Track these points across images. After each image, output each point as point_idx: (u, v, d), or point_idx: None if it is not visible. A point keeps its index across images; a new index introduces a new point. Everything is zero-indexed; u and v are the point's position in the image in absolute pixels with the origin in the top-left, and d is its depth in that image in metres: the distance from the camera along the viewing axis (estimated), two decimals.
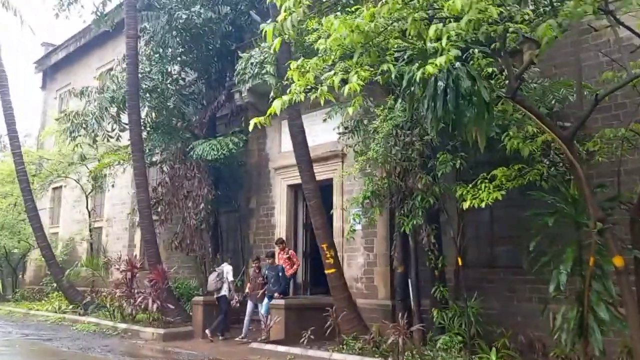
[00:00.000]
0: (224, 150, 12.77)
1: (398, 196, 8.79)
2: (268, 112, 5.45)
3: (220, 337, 11.04)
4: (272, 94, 9.07)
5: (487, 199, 6.80)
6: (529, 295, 9.42)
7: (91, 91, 14.63)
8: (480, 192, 7.01)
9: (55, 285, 18.94)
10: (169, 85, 14.44)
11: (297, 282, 13.20)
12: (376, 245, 11.31)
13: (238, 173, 14.44)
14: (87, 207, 17.40)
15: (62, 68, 24.62)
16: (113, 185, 16.21)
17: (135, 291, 12.17)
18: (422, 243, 9.10)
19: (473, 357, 7.54)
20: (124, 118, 14.37)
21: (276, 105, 5.27)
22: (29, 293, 20.90)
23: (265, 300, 10.82)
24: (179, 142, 14.37)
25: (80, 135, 14.14)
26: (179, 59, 14.56)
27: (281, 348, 9.04)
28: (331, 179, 12.32)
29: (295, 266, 11.61)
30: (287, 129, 13.47)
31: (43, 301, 18.08)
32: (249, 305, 11.26)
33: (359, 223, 9.11)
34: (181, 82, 14.90)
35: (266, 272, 11.06)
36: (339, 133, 9.34)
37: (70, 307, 14.98)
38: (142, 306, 11.71)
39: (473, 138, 6.20)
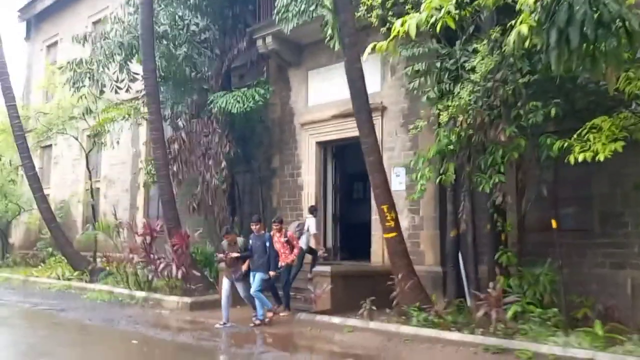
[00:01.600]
0: (249, 102, 11.58)
1: (467, 151, 7.78)
2: (394, 34, 4.31)
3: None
4: (328, 30, 7.86)
5: (604, 152, 5.84)
6: (601, 260, 8.64)
7: (94, 37, 13.16)
8: (592, 143, 6.05)
9: (50, 250, 17.84)
10: (180, 31, 13.09)
11: (327, 247, 12.29)
12: (422, 206, 10.39)
13: (257, 129, 13.26)
14: (87, 167, 16.05)
15: (48, 17, 22.72)
16: (118, 142, 14.89)
17: (155, 257, 11.08)
18: (489, 204, 8.21)
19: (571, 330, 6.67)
20: (132, 67, 13.04)
21: (412, 26, 4.12)
22: (22, 258, 19.66)
23: (258, 276, 8.66)
24: (194, 94, 13.10)
25: (84, 86, 12.75)
26: (189, 2, 13.14)
27: (336, 319, 8.15)
28: None
29: (295, 251, 9.68)
30: (315, 79, 12.48)
31: (39, 267, 16.90)
32: (225, 283, 8.95)
33: (425, 183, 8.03)
34: (193, 28, 13.50)
35: (251, 241, 9.05)
36: (408, 75, 8.20)
37: (75, 273, 13.84)
38: (165, 273, 10.66)
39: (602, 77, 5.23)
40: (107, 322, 9.07)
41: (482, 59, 6.38)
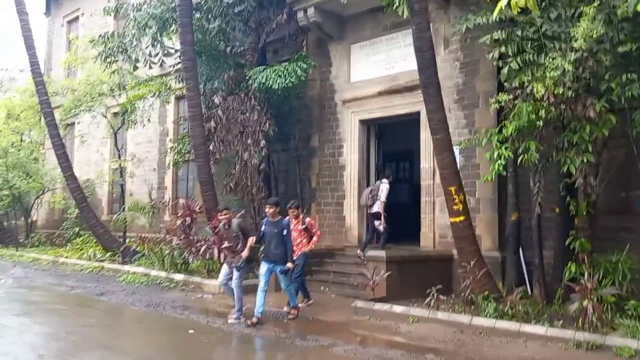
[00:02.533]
0: (291, 77, 10.96)
1: (549, 128, 7.15)
2: None
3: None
4: None
5: None
6: None
7: (126, 9, 12.55)
8: None
9: (77, 230, 17.50)
10: (214, 2, 12.42)
11: (368, 231, 11.75)
12: (479, 188, 9.80)
13: (295, 106, 12.66)
14: (115, 145, 15.54)
15: None
16: (149, 120, 14.38)
17: (195, 239, 10.63)
18: (561, 185, 7.60)
19: None
20: (165, 42, 12.46)
21: None
22: (47, 238, 19.38)
23: (278, 269, 7.64)
24: (230, 69, 12.49)
25: (116, 61, 12.19)
26: None
27: (398, 308, 7.63)
28: (418, 113, 10.64)
29: (315, 239, 8.71)
30: (358, 54, 11.82)
31: (67, 247, 16.59)
32: (223, 270, 8.10)
33: (504, 162, 7.35)
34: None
35: (263, 227, 7.78)
36: (486, 46, 7.51)
37: (108, 254, 13.46)
38: (207, 256, 10.21)
39: None
40: (153, 307, 8.65)
41: (591, 22, 5.66)
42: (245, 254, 7.65)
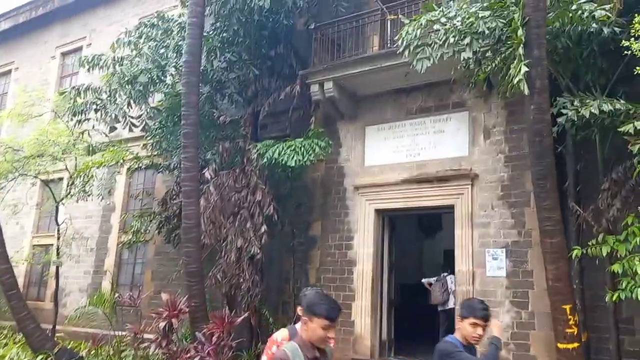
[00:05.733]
0: (310, 155, 9.47)
1: None
2: None
3: None
4: (514, 67, 6.01)
5: None
6: None
7: (106, 61, 10.64)
8: None
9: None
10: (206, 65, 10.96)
11: (382, 339, 10.04)
12: (532, 299, 8.54)
13: (296, 188, 11.07)
14: (56, 220, 12.81)
15: (3, 42, 19.63)
16: (110, 192, 12.05)
17: (179, 348, 8.28)
18: None
19: None
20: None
21: None
22: None
23: None
24: (226, 140, 10.78)
25: (87, 120, 10.08)
26: (223, 35, 11.10)
27: None
28: (452, 206, 9.47)
29: None
30: (375, 137, 10.66)
31: None
32: None
33: None
34: (220, 63, 11.39)
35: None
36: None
37: (39, 358, 10.45)
38: None
39: None
40: None
41: None
42: None
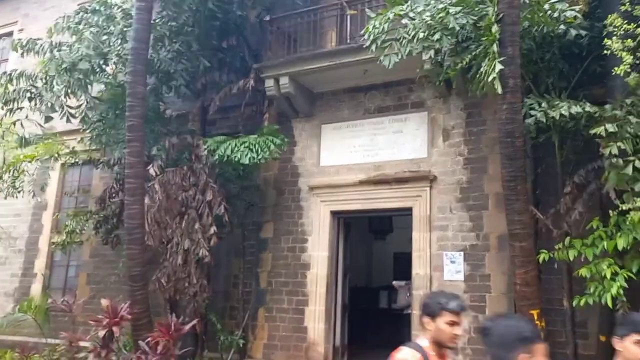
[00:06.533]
0: (265, 153, 8.99)
1: None
2: None
3: None
4: (457, 67, 5.73)
5: None
6: None
7: (42, 46, 9.73)
8: None
9: None
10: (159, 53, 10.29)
11: (335, 345, 9.69)
12: (489, 303, 8.42)
13: (247, 188, 10.54)
14: None
15: None
16: (42, 189, 11.08)
17: (121, 358, 7.60)
18: None
19: None
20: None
21: None
22: None
23: None
24: (173, 136, 10.12)
25: (20, 109, 9.17)
26: (171, 24, 10.46)
27: None
28: (410, 209, 9.25)
29: None
30: (332, 136, 10.32)
31: None
32: None
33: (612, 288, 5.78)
34: (168, 53, 10.71)
35: None
36: (599, 136, 6.09)
37: None
38: None
39: None
40: None
41: None
42: None
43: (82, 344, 8.66)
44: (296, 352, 9.58)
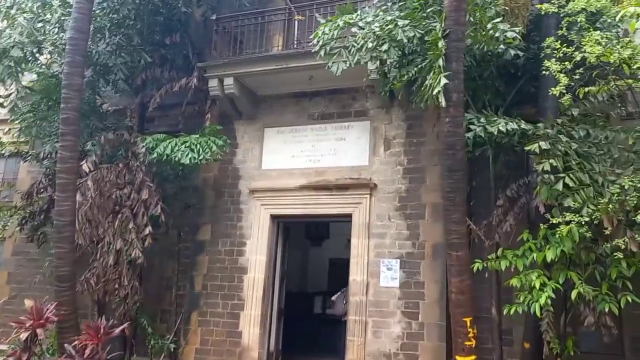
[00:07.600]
0: (206, 153, 8.83)
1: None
2: None
3: None
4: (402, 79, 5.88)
5: None
6: None
7: None
8: None
9: None
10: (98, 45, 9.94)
11: (270, 351, 9.62)
12: (423, 310, 8.62)
13: (185, 188, 10.31)
14: None
15: None
16: None
17: None
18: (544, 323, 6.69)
19: None
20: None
21: None
22: None
23: None
24: (109, 132, 9.75)
25: None
26: (112, 16, 10.12)
27: None
28: (350, 215, 9.35)
29: None
30: (275, 140, 10.31)
31: None
32: None
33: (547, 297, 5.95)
34: (107, 46, 10.36)
35: None
36: (533, 153, 6.26)
37: None
38: None
39: None
40: None
41: None
42: None
43: (0, 347, 8.13)
44: (229, 357, 9.43)
